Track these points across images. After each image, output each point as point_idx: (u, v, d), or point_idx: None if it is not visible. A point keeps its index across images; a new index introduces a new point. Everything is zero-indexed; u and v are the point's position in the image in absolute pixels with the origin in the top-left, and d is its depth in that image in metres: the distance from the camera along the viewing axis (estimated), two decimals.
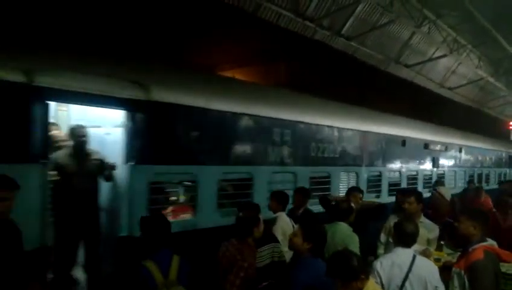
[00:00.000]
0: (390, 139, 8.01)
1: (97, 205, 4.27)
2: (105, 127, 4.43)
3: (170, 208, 4.62)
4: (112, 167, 4.16)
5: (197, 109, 4.46)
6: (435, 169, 9.96)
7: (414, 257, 3.21)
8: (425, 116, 11.89)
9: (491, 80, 17.23)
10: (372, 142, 7.42)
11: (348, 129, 6.77)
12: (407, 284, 3.12)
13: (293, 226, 4.16)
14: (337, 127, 6.51)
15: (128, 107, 3.94)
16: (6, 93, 3.21)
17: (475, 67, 15.79)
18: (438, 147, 10.04)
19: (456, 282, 3.14)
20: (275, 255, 3.72)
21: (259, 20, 9.25)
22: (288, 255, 3.56)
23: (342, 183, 6.69)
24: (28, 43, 3.94)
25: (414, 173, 9.04)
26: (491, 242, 3.32)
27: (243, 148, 5.01)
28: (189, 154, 4.43)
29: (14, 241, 2.87)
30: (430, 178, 9.64)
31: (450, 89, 17.82)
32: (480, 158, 13.00)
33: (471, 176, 12.01)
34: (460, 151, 11.45)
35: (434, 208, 5.64)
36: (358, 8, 10.92)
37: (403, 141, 8.41)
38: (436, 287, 3.12)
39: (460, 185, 10.95)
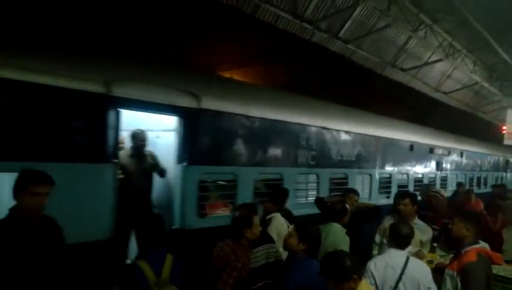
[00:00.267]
0: (400, 144, 8.66)
1: (151, 200, 4.83)
2: (155, 131, 5.01)
3: (215, 203, 5.03)
4: (164, 170, 4.78)
5: (237, 115, 5.02)
6: (439, 172, 10.48)
7: (407, 259, 3.25)
8: (421, 120, 12.01)
9: (486, 84, 17.37)
10: (384, 147, 8.02)
11: (363, 134, 7.37)
12: (400, 285, 3.16)
13: (288, 226, 4.18)
14: (354, 133, 7.12)
15: (182, 114, 4.45)
16: (87, 102, 3.66)
17: (470, 72, 15.92)
18: (442, 152, 10.57)
19: (448, 284, 3.19)
20: (271, 256, 3.73)
21: (257, 21, 9.27)
22: (283, 255, 3.58)
23: (357, 184, 7.21)
24: (104, 55, 4.47)
25: (420, 175, 9.61)
26: (483, 244, 3.36)
27: (275, 152, 5.58)
28: (231, 156, 4.96)
29: (58, 236, 2.84)
30: (434, 180, 10.20)
31: (445, 93, 17.95)
32: (479, 162, 13.56)
33: (471, 179, 12.66)
34: (461, 155, 11.97)
35: (433, 209, 5.72)
36: (356, 12, 10.96)
37: (411, 146, 9.00)
38: (428, 288, 3.17)
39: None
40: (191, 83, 4.73)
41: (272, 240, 3.90)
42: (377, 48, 12.93)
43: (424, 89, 16.75)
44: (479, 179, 13.37)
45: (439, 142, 10.59)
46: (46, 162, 3.24)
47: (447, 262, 3.62)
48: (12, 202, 2.64)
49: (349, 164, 6.98)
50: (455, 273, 3.13)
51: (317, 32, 10.53)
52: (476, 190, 12.40)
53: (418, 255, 3.83)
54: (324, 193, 6.26)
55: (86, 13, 7.45)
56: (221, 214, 4.93)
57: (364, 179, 7.57)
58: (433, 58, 14.82)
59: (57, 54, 3.83)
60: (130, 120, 4.52)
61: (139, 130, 4.80)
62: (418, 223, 4.48)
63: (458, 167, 11.87)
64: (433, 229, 4.77)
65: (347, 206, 4.31)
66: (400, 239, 3.36)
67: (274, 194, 4.82)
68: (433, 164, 10.22)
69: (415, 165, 9.30)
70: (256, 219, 3.57)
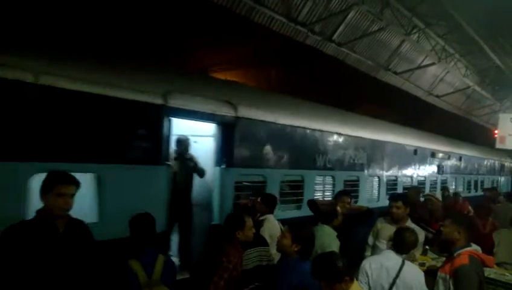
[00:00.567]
0: (405, 148, 9.25)
1: (191, 198, 5.33)
2: (194, 136, 5.49)
3: (248, 202, 5.30)
4: (203, 171, 5.26)
5: (267, 123, 5.52)
6: (440, 175, 11.07)
7: (403, 263, 3.24)
8: (414, 123, 12.10)
9: (478, 89, 17.54)
10: (391, 151, 8.56)
11: (373, 140, 7.92)
12: (394, 289, 3.15)
13: (281, 228, 4.16)
14: (365, 138, 7.66)
15: (221, 122, 4.91)
16: (150, 112, 4.12)
17: (462, 76, 16.07)
18: (442, 156, 11.14)
19: (441, 287, 3.18)
20: (263, 259, 3.70)
21: (252, 23, 9.27)
22: (276, 257, 3.56)
23: (367, 186, 7.88)
24: (159, 67, 4.90)
25: (423, 178, 10.14)
26: (475, 247, 3.37)
27: (297, 156, 6.06)
28: (261, 160, 5.46)
29: (85, 240, 2.81)
30: (436, 183, 10.77)
31: (437, 96, 18.10)
32: (476, 166, 14.21)
33: (469, 182, 13.37)
34: (460, 159, 12.59)
35: (429, 212, 5.77)
36: (350, 15, 11.01)
37: (415, 150, 9.59)
38: None
39: (461, 190, 11.97)
40: (228, 93, 5.21)
41: (265, 243, 3.88)
42: (370, 51, 13.01)
43: (417, 92, 16.89)
44: (476, 182, 13.99)
45: (439, 146, 11.15)
46: (114, 164, 3.77)
47: (439, 265, 3.62)
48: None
49: (361, 167, 7.55)
50: (448, 276, 3.13)
51: (311, 35, 10.56)
52: (473, 192, 13.27)
53: (410, 257, 3.83)
54: None
55: (86, 13, 7.42)
56: None
57: (374, 182, 8.15)
58: (426, 62, 14.95)
59: (127, 69, 4.28)
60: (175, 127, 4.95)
61: (183, 136, 5.30)
62: (410, 226, 4.48)
63: (457, 170, 12.51)
64: (429, 232, 4.79)
65: (338, 208, 4.31)
66: (403, 245, 3.35)
67: (265, 197, 4.83)
68: (434, 168, 10.77)
69: (418, 169, 9.90)
70: (250, 221, 3.53)
